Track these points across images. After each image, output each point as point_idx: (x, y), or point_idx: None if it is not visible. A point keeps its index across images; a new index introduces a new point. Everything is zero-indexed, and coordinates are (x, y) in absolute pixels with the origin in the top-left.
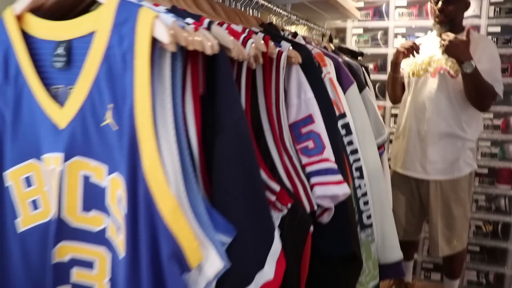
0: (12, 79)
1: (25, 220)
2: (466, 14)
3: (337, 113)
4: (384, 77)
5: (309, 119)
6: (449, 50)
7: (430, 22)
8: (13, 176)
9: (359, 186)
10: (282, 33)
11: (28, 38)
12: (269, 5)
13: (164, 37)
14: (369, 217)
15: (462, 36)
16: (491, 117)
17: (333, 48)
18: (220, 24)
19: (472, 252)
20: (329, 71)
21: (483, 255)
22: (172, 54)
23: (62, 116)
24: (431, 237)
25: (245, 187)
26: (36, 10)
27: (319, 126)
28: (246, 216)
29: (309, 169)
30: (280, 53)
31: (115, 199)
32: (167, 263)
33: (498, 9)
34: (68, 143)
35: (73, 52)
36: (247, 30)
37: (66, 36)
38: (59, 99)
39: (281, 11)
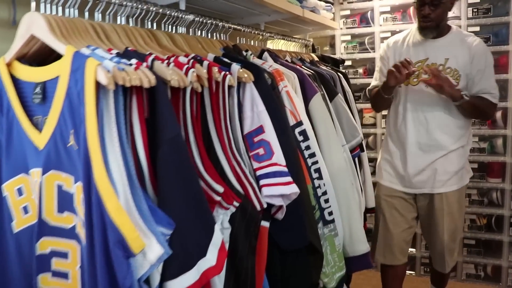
0: (5, 112)
1: (19, 223)
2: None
3: (294, 122)
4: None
5: (260, 130)
6: (440, 91)
7: (414, 25)
8: (8, 187)
9: (319, 186)
10: (245, 53)
11: (15, 80)
12: (238, 27)
13: (103, 80)
14: (330, 213)
15: (449, 35)
16: None
17: (315, 58)
18: (168, 58)
19: (468, 245)
20: (286, 85)
21: (479, 248)
22: (114, 90)
23: (40, 139)
24: (437, 253)
25: (182, 189)
26: (22, 58)
27: (268, 135)
28: (185, 212)
29: (258, 172)
30: (225, 76)
31: (80, 201)
32: (113, 248)
33: (476, 10)
34: (45, 160)
35: (47, 90)
36: (191, 61)
37: (42, 78)
38: (39, 127)
39: (251, 30)
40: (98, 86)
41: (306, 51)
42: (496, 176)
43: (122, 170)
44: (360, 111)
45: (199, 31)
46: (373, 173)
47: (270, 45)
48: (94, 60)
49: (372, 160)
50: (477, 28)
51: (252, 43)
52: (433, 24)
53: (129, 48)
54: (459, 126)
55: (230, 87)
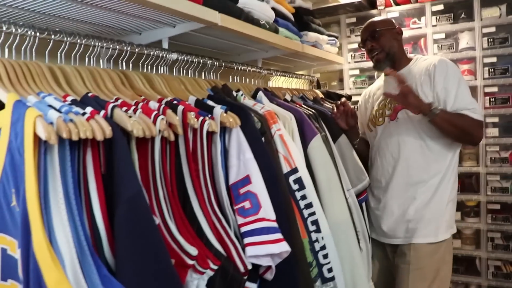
0: None
1: None
2: (461, 46)
3: (288, 169)
4: None
5: (246, 180)
6: (405, 102)
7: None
8: None
9: (317, 240)
10: (236, 93)
11: None
12: (231, 65)
13: (41, 133)
14: (330, 270)
15: (409, 65)
16: (498, 150)
17: (320, 95)
18: (136, 104)
19: None
20: (279, 128)
21: None
22: (61, 144)
23: None
24: None
25: (142, 255)
26: None
27: (256, 186)
28: (146, 282)
29: (243, 229)
30: (203, 122)
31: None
32: None
33: (491, 39)
34: None
35: None
36: (162, 107)
37: None
38: None
39: (246, 67)
40: (40, 140)
41: (310, 88)
42: None
43: (69, 236)
44: None
45: (184, 71)
46: None
47: (271, 82)
48: (35, 111)
49: None
50: (494, 59)
51: (249, 81)
52: (382, 54)
53: (90, 94)
54: (433, 160)
55: (212, 133)
